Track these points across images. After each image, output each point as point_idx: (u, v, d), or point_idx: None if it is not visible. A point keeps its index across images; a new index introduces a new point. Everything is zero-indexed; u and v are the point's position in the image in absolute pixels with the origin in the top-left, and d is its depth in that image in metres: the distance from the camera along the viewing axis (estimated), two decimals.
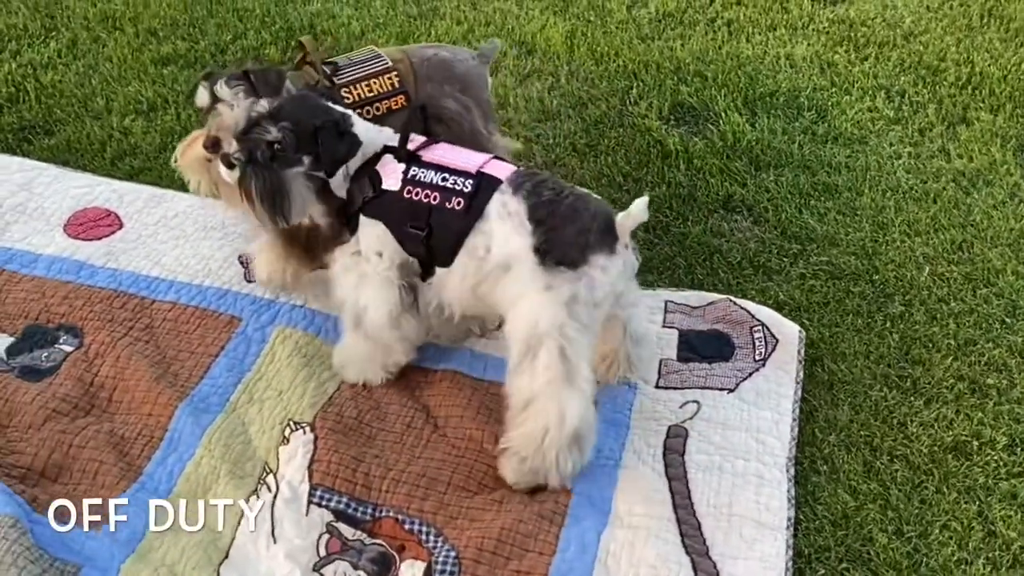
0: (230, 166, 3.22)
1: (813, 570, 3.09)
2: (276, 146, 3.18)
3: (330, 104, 3.34)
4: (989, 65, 5.21)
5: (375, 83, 3.67)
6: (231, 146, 3.23)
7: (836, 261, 4.09)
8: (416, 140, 3.37)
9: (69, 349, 3.62)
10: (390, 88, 3.67)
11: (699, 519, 3.17)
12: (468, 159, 3.30)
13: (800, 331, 3.68)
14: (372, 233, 3.30)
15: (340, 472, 3.26)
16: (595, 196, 3.27)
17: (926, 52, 5.32)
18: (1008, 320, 3.85)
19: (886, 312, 3.88)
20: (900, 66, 5.24)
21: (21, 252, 3.98)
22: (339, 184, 3.33)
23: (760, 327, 3.69)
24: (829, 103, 4.95)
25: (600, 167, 4.50)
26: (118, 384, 3.51)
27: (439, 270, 3.30)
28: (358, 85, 3.65)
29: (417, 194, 3.23)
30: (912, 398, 3.57)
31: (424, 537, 3.11)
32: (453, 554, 3.03)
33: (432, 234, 3.22)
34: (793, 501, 3.22)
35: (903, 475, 3.33)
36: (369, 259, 3.31)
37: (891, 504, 3.25)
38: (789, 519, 3.17)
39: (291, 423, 3.40)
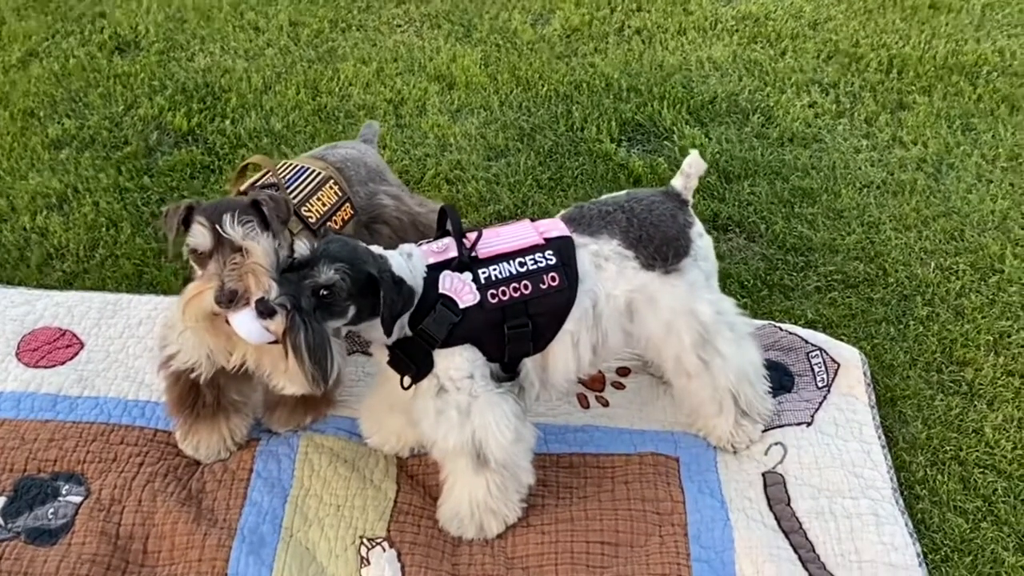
0: (268, 314, 2.62)
1: None
2: (323, 292, 2.70)
3: (368, 246, 2.85)
4: (903, 47, 5.25)
5: (323, 196, 3.23)
6: (266, 291, 2.65)
7: (844, 268, 3.99)
8: (450, 243, 2.97)
9: (77, 500, 3.13)
10: (337, 197, 3.24)
11: (831, 572, 2.99)
12: (523, 233, 3.01)
13: (860, 353, 3.55)
14: (458, 360, 2.89)
15: None
16: (638, 189, 3.28)
17: (839, 39, 5.32)
18: None
19: (913, 315, 3.81)
20: (819, 57, 5.22)
21: None
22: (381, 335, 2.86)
23: (817, 352, 3.55)
24: (770, 103, 4.87)
25: (574, 201, 4.25)
26: (150, 532, 3.06)
27: (529, 359, 2.99)
28: (311, 201, 3.18)
29: (504, 294, 2.89)
30: (975, 402, 3.50)
31: None
32: None
33: (535, 323, 2.91)
34: (914, 535, 3.07)
35: (1001, 486, 3.25)
36: (460, 387, 2.90)
37: (1001, 519, 3.16)
38: (918, 555, 3.03)
39: (365, 540, 3.03)
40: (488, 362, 2.95)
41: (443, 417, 2.89)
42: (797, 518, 3.12)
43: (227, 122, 4.67)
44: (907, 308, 3.84)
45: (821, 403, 3.43)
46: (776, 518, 3.13)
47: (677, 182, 3.13)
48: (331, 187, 3.26)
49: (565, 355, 3.00)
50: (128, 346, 3.61)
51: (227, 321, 2.73)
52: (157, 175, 4.37)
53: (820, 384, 3.48)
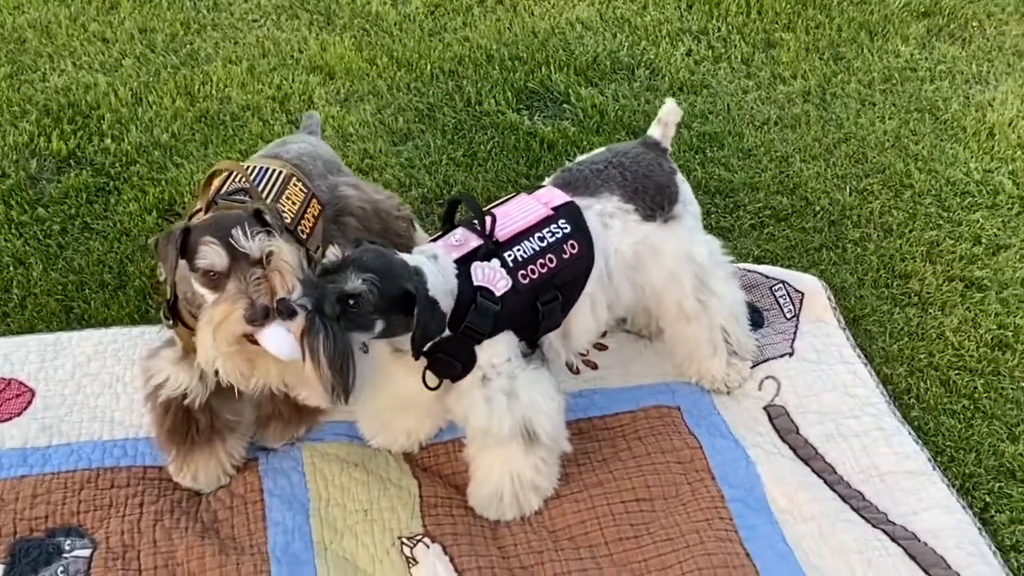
0: (288, 314, 2.48)
1: (978, 498, 3.13)
2: (350, 302, 2.57)
3: (402, 257, 2.72)
4: None
5: (291, 195, 3.05)
6: (288, 291, 2.53)
7: (770, 204, 4.13)
8: (464, 232, 2.90)
9: (85, 553, 2.91)
10: (303, 194, 3.08)
11: (858, 489, 3.10)
12: (529, 207, 2.98)
13: (821, 281, 3.67)
14: (500, 347, 2.83)
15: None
16: (617, 144, 3.28)
17: None
18: (947, 213, 4.08)
19: (847, 239, 3.97)
20: (680, 6, 5.33)
21: None
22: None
23: (780, 285, 3.66)
24: (650, 56, 4.96)
25: (496, 175, 4.24)
26: (175, 571, 2.88)
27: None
28: (281, 201, 2.99)
29: (533, 272, 2.85)
30: (929, 310, 3.69)
31: None
32: None
33: (562, 293, 2.88)
34: (919, 442, 3.22)
35: (979, 383, 3.44)
36: (501, 371, 2.83)
37: (989, 413, 3.36)
38: (929, 459, 3.18)
39: (404, 540, 2.95)
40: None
41: (493, 404, 2.83)
42: (811, 444, 3.22)
43: (108, 140, 4.40)
44: (839, 232, 4.00)
45: (795, 333, 3.54)
46: (791, 448, 3.22)
47: (655, 131, 3.16)
48: (295, 185, 3.11)
49: (586, 318, 3.00)
50: (84, 386, 3.38)
51: (251, 340, 2.59)
52: (51, 205, 4.08)
53: (788, 315, 3.59)
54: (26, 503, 3.02)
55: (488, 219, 2.86)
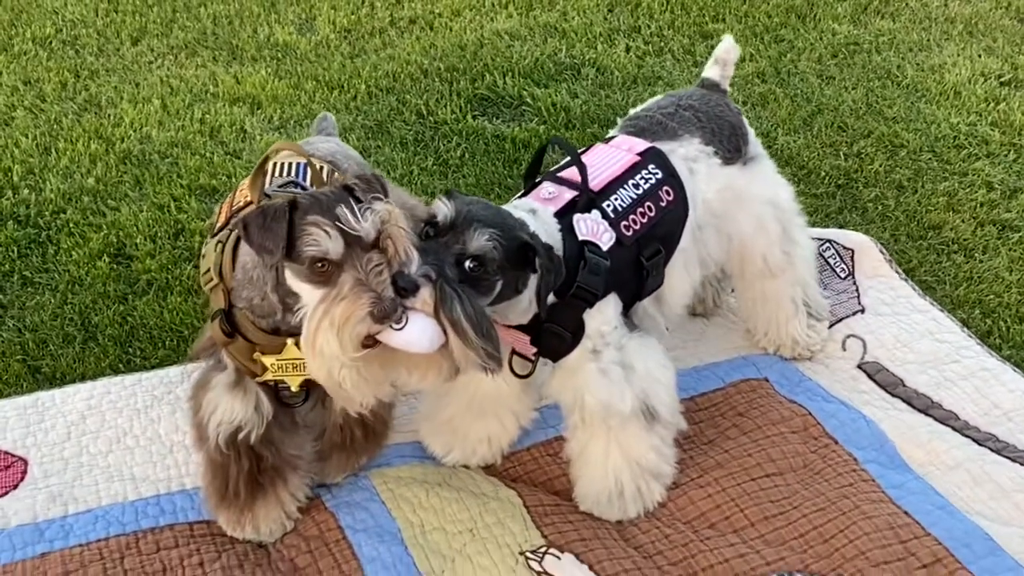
0: (411, 290, 2.06)
1: None
2: (470, 264, 2.19)
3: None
4: None
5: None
6: (403, 262, 2.09)
7: None
8: (554, 184, 2.54)
9: None
10: None
11: (989, 432, 2.86)
12: (614, 155, 2.64)
13: (868, 237, 3.45)
14: (609, 312, 2.46)
15: None
16: (675, 90, 2.97)
17: None
18: (949, 165, 3.98)
19: (864, 199, 3.80)
20: (601, 10, 5.13)
21: None
22: (526, 308, 2.40)
23: (827, 244, 3.42)
24: (592, 56, 4.72)
25: (476, 179, 3.89)
26: None
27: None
28: None
29: (635, 223, 2.49)
30: (974, 255, 3.54)
31: None
32: None
33: (664, 246, 2.54)
34: None
35: None
36: (610, 341, 2.46)
37: None
38: None
39: (529, 555, 2.52)
40: None
41: (611, 377, 2.44)
42: (924, 395, 2.96)
43: (24, 191, 3.83)
44: (853, 195, 3.82)
45: (857, 290, 3.30)
46: (904, 400, 2.96)
47: (712, 72, 2.90)
48: (333, 175, 2.68)
49: (681, 277, 2.67)
50: (86, 446, 2.82)
51: (368, 344, 2.12)
52: None
53: (842, 275, 3.36)
54: None
55: (557, 172, 2.52)
